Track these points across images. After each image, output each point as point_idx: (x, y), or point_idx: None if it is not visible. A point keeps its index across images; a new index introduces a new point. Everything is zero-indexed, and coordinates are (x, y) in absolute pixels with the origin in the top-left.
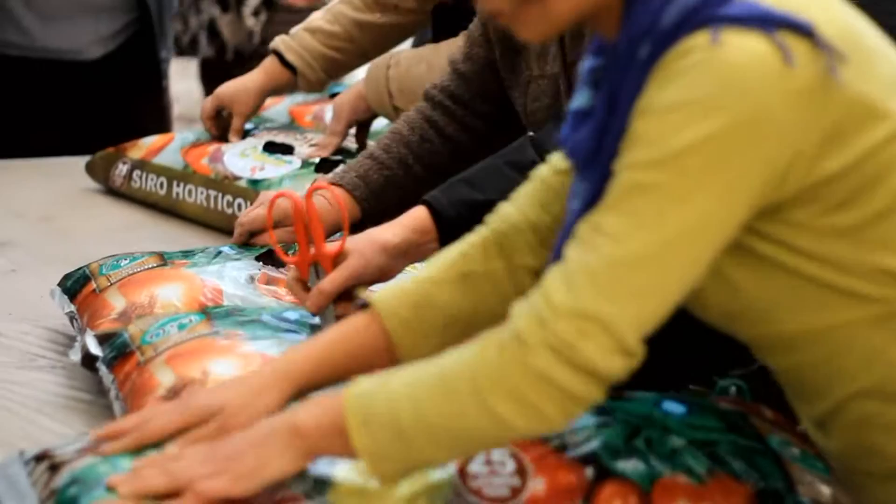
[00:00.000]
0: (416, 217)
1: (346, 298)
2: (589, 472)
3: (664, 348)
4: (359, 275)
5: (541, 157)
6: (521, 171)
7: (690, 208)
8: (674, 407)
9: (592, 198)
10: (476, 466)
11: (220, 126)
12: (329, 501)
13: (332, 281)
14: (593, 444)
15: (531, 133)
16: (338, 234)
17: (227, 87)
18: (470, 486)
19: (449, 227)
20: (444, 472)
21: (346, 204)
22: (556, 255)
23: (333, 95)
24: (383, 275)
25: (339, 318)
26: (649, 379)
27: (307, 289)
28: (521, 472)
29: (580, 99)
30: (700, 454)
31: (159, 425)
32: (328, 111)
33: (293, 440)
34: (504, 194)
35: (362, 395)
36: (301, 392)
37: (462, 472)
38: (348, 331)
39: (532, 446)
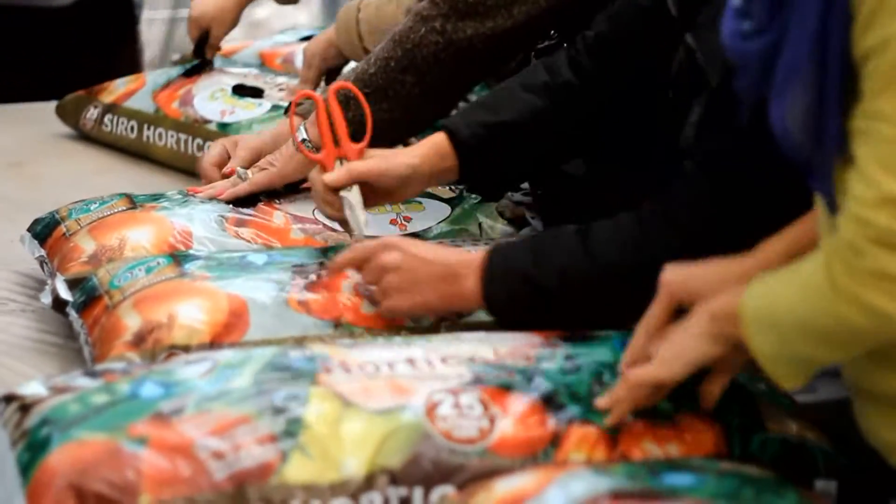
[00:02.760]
0: (435, 142)
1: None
2: (556, 416)
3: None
4: (382, 171)
5: (552, 77)
6: (534, 91)
7: None
8: None
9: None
10: (444, 409)
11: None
12: (301, 443)
13: (358, 164)
14: (560, 393)
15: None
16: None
17: (204, 7)
18: (439, 427)
19: (467, 149)
20: (412, 415)
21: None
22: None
23: (305, 39)
24: (399, 188)
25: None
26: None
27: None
28: (489, 415)
29: None
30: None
31: None
32: (298, 54)
33: (711, 324)
34: (519, 114)
35: (753, 300)
36: None
37: (430, 415)
38: None
39: (499, 395)
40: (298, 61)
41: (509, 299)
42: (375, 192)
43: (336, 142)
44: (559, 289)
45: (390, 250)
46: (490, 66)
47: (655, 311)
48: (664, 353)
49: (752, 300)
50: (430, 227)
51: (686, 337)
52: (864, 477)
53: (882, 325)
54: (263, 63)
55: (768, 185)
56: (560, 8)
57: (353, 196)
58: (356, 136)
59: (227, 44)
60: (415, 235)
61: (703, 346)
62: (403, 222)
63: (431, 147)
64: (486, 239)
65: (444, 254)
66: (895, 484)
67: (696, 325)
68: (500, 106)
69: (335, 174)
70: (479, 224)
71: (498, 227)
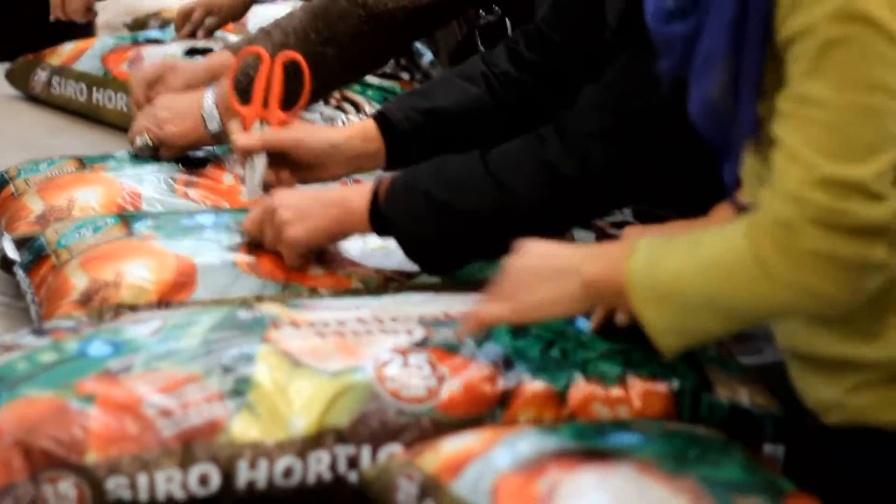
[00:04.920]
0: (363, 125)
1: (278, 165)
2: (505, 377)
3: None
4: (297, 142)
5: (489, 68)
6: (471, 80)
7: (891, 47)
8: (587, 323)
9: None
10: (393, 369)
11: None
12: (250, 401)
13: (274, 132)
14: (509, 355)
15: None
16: None
17: None
18: (387, 387)
19: (396, 133)
20: (361, 375)
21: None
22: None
23: (257, 2)
24: (318, 164)
25: (265, 186)
26: None
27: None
28: (437, 375)
29: None
30: (615, 361)
31: None
32: (252, 18)
33: (582, 288)
34: (454, 101)
35: (643, 271)
36: None
37: (379, 375)
38: None
39: (447, 356)
40: (251, 25)
41: (408, 215)
42: (295, 165)
43: (266, 104)
44: (454, 199)
45: (278, 193)
46: (412, 38)
47: None
48: (524, 296)
49: (640, 272)
50: None
51: (550, 293)
52: (811, 440)
53: (818, 304)
54: None
55: (669, 134)
56: None
57: (259, 160)
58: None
59: (180, 6)
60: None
61: (567, 307)
62: None
63: (358, 129)
64: None
65: (331, 188)
66: (829, 442)
67: (564, 287)
68: (435, 93)
69: (248, 138)
70: None
71: None
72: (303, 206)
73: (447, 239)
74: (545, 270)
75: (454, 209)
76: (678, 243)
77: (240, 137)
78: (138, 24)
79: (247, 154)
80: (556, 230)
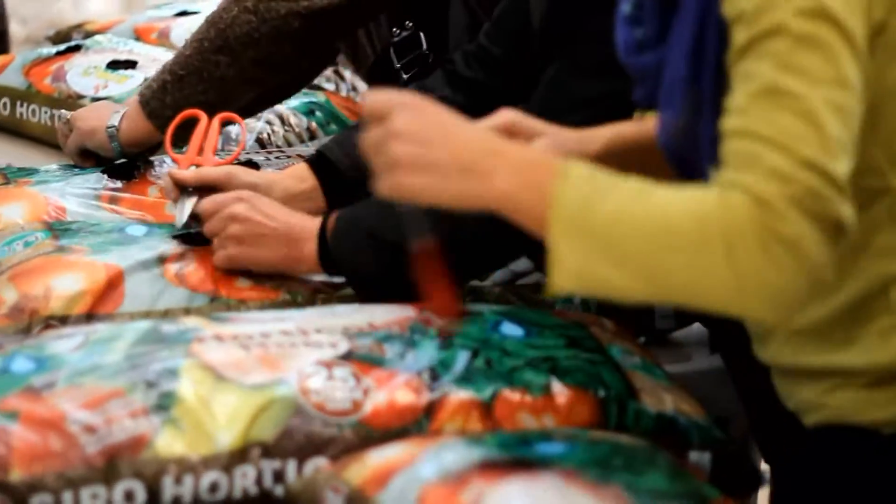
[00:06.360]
0: (297, 166)
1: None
2: (430, 388)
3: None
4: (230, 175)
5: (424, 94)
6: None
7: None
8: (512, 330)
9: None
10: (317, 382)
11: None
12: (174, 416)
13: (208, 168)
14: (434, 366)
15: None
16: None
17: None
18: (312, 401)
19: (338, 171)
20: (285, 389)
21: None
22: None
23: (181, 14)
24: None
25: (194, 217)
26: None
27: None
28: (362, 387)
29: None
30: (540, 370)
31: None
32: (174, 28)
33: (492, 199)
34: None
35: (575, 203)
36: None
37: (303, 388)
38: None
39: (372, 368)
40: (174, 36)
41: (354, 255)
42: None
43: (201, 153)
44: (399, 237)
45: (241, 201)
46: (310, 46)
47: None
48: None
49: (571, 204)
50: None
51: (452, 190)
52: (738, 448)
53: (757, 306)
54: (139, 38)
55: None
56: None
57: (190, 199)
58: None
59: (103, 19)
60: None
61: (464, 206)
62: None
63: (292, 169)
64: None
65: (289, 216)
66: (807, 440)
67: (471, 188)
68: None
69: (182, 172)
70: None
71: None
72: (257, 231)
73: (396, 276)
74: (450, 164)
75: (401, 248)
76: (623, 184)
77: (174, 172)
78: (61, 37)
79: (180, 188)
80: (503, 262)
